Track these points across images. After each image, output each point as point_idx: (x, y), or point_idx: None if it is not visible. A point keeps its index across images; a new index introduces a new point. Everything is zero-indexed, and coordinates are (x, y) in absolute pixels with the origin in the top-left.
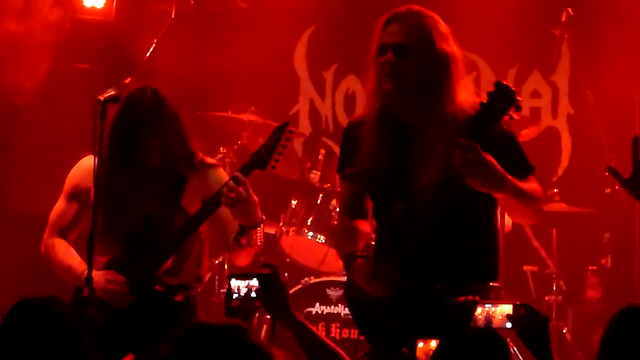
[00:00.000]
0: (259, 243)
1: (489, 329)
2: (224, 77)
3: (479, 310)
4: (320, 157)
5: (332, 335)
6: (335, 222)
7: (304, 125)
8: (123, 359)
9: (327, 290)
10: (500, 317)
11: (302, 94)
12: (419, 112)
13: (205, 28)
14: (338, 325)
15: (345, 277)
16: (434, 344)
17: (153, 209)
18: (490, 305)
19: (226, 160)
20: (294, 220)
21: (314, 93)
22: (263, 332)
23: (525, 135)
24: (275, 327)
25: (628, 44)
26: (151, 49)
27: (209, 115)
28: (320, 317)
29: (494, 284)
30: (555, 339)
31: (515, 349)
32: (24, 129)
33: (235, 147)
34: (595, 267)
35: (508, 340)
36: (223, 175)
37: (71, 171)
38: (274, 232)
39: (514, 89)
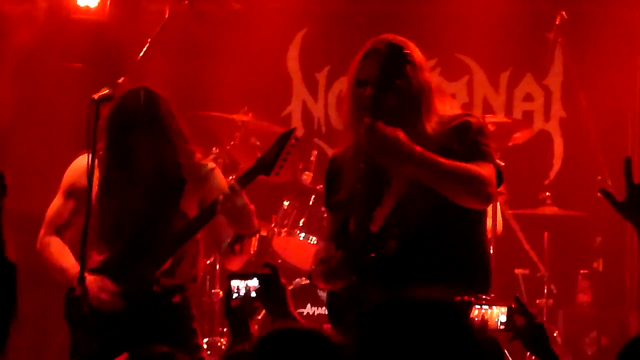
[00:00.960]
0: (252, 252)
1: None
2: (217, 78)
3: (474, 312)
4: (312, 158)
5: None
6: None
7: (297, 127)
8: (118, 357)
9: (318, 291)
10: (495, 319)
11: (295, 95)
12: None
13: (198, 28)
14: (329, 326)
15: None
16: None
17: (150, 210)
18: (486, 307)
19: (219, 160)
20: (286, 221)
21: (306, 94)
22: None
23: (518, 138)
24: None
25: (621, 48)
26: (144, 49)
27: (201, 115)
28: (311, 318)
29: (483, 296)
30: None
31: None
32: (18, 128)
33: (228, 147)
34: (586, 271)
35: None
36: (220, 177)
37: (68, 169)
38: (265, 233)
39: (401, 45)
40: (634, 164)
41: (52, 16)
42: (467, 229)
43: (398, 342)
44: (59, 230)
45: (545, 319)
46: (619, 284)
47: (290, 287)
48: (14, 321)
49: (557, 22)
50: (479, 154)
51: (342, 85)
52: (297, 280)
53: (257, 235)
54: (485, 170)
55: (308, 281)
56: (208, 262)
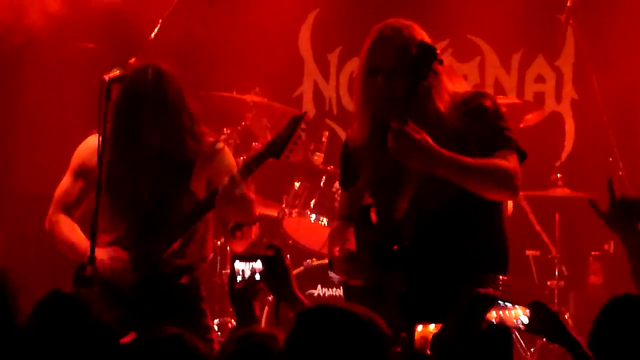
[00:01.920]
0: (252, 237)
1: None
2: (229, 58)
3: (493, 313)
4: (323, 139)
5: None
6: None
7: (308, 107)
8: (126, 336)
9: (329, 272)
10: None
11: (306, 76)
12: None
13: (210, 9)
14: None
15: None
16: (432, 327)
17: (159, 190)
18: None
19: (230, 141)
20: (297, 202)
21: (318, 75)
22: (264, 313)
23: (529, 120)
24: (279, 309)
25: (633, 30)
26: (156, 29)
27: (213, 95)
28: (322, 299)
29: (503, 277)
30: None
31: (517, 334)
32: (29, 108)
33: (239, 128)
34: (597, 253)
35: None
36: (229, 156)
37: (77, 149)
38: (276, 214)
39: (433, 45)
40: None
41: None
42: (489, 213)
43: None
44: (67, 209)
45: (556, 300)
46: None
47: (301, 268)
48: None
49: (568, 4)
50: (502, 142)
51: (353, 66)
52: (308, 261)
53: (257, 223)
54: (511, 162)
55: (319, 262)
56: (218, 242)
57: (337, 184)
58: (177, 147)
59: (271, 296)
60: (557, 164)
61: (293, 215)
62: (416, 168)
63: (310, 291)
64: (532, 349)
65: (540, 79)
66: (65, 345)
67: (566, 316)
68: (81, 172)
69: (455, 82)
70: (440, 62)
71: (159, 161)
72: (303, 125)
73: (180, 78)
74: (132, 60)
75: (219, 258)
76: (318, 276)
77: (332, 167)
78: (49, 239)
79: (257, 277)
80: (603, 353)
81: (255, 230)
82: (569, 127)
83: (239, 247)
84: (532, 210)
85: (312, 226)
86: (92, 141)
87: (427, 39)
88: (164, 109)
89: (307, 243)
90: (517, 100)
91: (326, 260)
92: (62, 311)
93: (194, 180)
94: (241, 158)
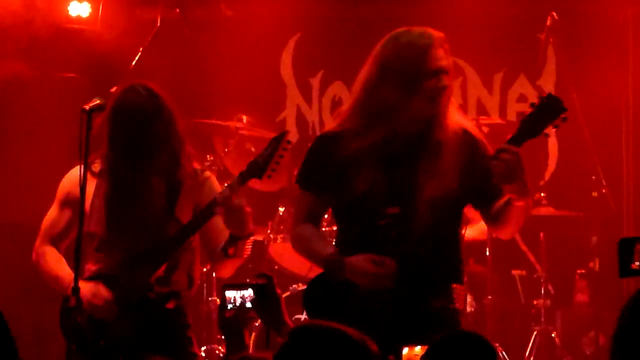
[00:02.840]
0: (245, 256)
1: (468, 334)
2: (211, 85)
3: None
4: None
5: None
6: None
7: (291, 132)
8: None
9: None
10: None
11: (289, 100)
12: (441, 131)
13: (191, 36)
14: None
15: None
16: (418, 349)
17: (145, 216)
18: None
19: (213, 168)
20: (282, 227)
21: (300, 100)
22: (252, 340)
23: None
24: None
25: (612, 47)
26: (137, 58)
27: (195, 122)
28: None
29: (460, 286)
30: (545, 343)
31: (503, 353)
32: (10, 137)
33: (222, 154)
34: (583, 271)
35: (496, 345)
36: (216, 184)
37: (63, 179)
38: (262, 239)
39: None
40: (629, 161)
41: (44, 26)
42: (459, 229)
43: None
44: (54, 240)
45: (543, 319)
46: (616, 283)
47: (287, 293)
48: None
49: (548, 23)
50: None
51: (336, 89)
52: (294, 286)
53: (252, 239)
54: None
55: (305, 287)
56: (205, 269)
57: None
58: (167, 173)
59: (259, 323)
60: (541, 183)
61: (278, 241)
62: (512, 192)
63: (297, 316)
64: None
65: (522, 98)
66: None
67: (553, 335)
68: (67, 203)
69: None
70: (565, 119)
71: (147, 187)
72: (284, 145)
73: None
74: (114, 89)
75: (205, 285)
76: (301, 300)
77: None
78: (36, 269)
79: (248, 305)
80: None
81: (248, 248)
82: (552, 146)
83: (228, 271)
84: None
85: None
86: (77, 172)
87: None
88: (162, 133)
89: (292, 268)
90: (499, 121)
91: None
92: None
93: (179, 207)
94: (225, 184)
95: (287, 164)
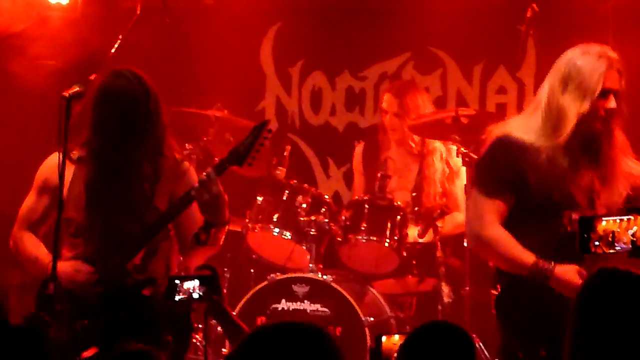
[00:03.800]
0: (218, 244)
1: (446, 324)
2: (190, 73)
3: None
4: (285, 153)
5: None
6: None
7: (271, 121)
8: (87, 351)
9: (293, 286)
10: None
11: (268, 90)
12: (610, 147)
13: (171, 24)
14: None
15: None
16: (397, 338)
17: (123, 204)
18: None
19: (192, 157)
20: (260, 216)
21: (280, 89)
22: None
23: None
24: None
25: (593, 40)
26: (116, 45)
27: (174, 111)
28: (286, 313)
29: None
30: None
31: (480, 344)
32: None
33: (201, 143)
34: None
35: (474, 336)
36: (194, 176)
37: (41, 166)
38: (239, 229)
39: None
40: None
41: (25, 13)
42: None
43: None
44: (32, 227)
45: None
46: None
47: (265, 283)
48: None
49: (528, 15)
50: None
51: (315, 79)
52: (272, 275)
53: (226, 229)
54: None
55: (283, 276)
56: (181, 258)
57: (300, 198)
58: (150, 163)
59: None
60: None
61: (256, 230)
62: None
63: (274, 305)
64: None
65: (502, 90)
66: None
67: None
68: (45, 189)
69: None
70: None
71: (127, 175)
72: (265, 133)
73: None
74: (93, 76)
75: (183, 274)
76: (282, 290)
77: (294, 181)
78: (14, 255)
79: (195, 295)
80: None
81: (221, 238)
82: None
83: (199, 259)
84: None
85: (275, 240)
86: (56, 158)
87: None
88: (146, 119)
89: (270, 257)
90: (479, 112)
91: (290, 275)
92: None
93: (157, 196)
94: (204, 174)
95: (266, 153)
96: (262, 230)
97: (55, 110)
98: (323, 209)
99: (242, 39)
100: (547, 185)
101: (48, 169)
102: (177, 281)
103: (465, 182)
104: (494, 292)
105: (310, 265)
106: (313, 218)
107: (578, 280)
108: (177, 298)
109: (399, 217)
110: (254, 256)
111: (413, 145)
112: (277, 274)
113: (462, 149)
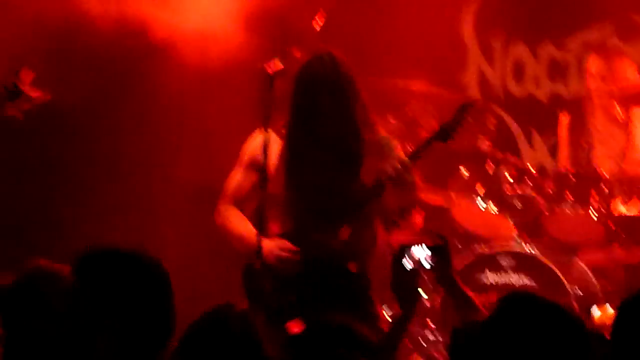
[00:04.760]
0: (414, 226)
1: None
2: (391, 44)
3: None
4: (490, 125)
5: None
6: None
7: (473, 93)
8: (290, 321)
9: (499, 259)
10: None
11: (471, 62)
12: None
13: None
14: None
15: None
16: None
17: (331, 180)
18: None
19: (396, 131)
20: (464, 189)
21: (482, 61)
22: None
23: None
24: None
25: None
26: (317, 16)
27: (376, 81)
28: (493, 287)
29: None
30: None
31: None
32: (189, 99)
33: (405, 117)
34: None
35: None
36: (400, 151)
37: (248, 142)
38: (443, 202)
39: None
40: None
41: None
42: None
43: None
44: (238, 202)
45: None
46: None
47: (471, 256)
48: None
49: None
50: None
51: (519, 51)
52: (478, 250)
53: (421, 213)
54: None
55: (488, 250)
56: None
57: (504, 170)
58: (352, 138)
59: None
60: None
61: (461, 203)
62: None
63: (480, 277)
64: None
65: None
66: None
67: None
68: (252, 165)
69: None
70: None
71: (333, 152)
72: (471, 114)
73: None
74: (293, 48)
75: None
76: (488, 263)
77: (498, 152)
78: (218, 231)
79: (426, 265)
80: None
81: (416, 220)
82: None
83: (403, 236)
84: None
85: (480, 213)
86: (261, 135)
87: None
88: (341, 100)
89: (476, 230)
90: None
91: (496, 249)
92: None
93: (364, 171)
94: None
95: (469, 124)
96: (467, 203)
97: (257, 83)
98: (528, 181)
99: (443, 10)
100: None
101: (255, 144)
102: (407, 249)
103: None
104: None
105: (516, 237)
106: (518, 191)
107: None
108: (407, 266)
109: (605, 187)
110: (460, 230)
111: (619, 113)
112: (482, 246)
113: None
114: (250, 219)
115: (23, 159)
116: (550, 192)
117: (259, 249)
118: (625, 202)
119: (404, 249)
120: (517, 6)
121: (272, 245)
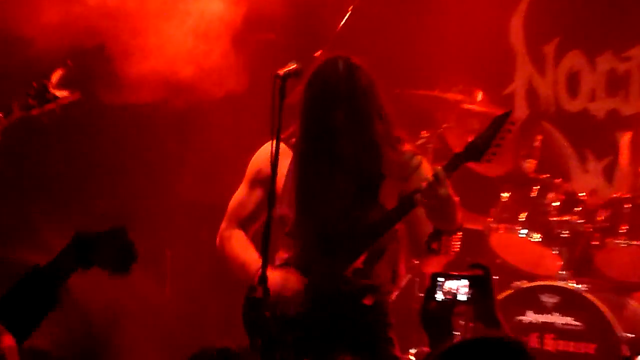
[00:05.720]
0: (452, 251)
1: None
2: (428, 51)
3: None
4: (536, 144)
5: (547, 347)
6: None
7: (520, 107)
8: None
9: (540, 296)
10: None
11: (519, 71)
12: None
13: None
14: (553, 336)
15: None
16: None
17: (345, 203)
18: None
19: (428, 146)
20: (505, 215)
21: (532, 70)
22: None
23: None
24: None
25: None
26: (345, 18)
27: (409, 93)
28: (533, 326)
29: None
30: None
31: None
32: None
33: (440, 130)
34: None
35: None
36: (426, 167)
37: (254, 156)
38: (482, 229)
39: None
40: None
41: None
42: None
43: None
44: (242, 223)
45: None
46: None
47: (510, 291)
48: None
49: None
50: None
51: (573, 59)
52: (517, 283)
53: (459, 235)
54: None
55: (530, 284)
56: (417, 262)
57: (551, 195)
58: (370, 159)
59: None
60: None
61: (500, 231)
62: None
63: (519, 317)
64: None
65: None
66: None
67: None
68: (258, 182)
69: None
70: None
71: (349, 173)
72: (508, 126)
73: (373, 74)
74: (318, 53)
75: (417, 280)
76: (528, 300)
77: (546, 175)
78: (220, 255)
79: (462, 297)
80: None
81: (456, 243)
82: None
83: (434, 266)
84: None
85: (522, 243)
86: (269, 148)
87: None
88: (357, 113)
89: (516, 262)
90: None
91: (538, 283)
92: None
93: (384, 193)
94: (432, 174)
95: (512, 145)
96: (507, 231)
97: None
98: (578, 208)
99: (489, 13)
100: None
101: (261, 159)
102: (440, 279)
103: None
104: None
105: (561, 272)
106: (566, 218)
107: None
108: (438, 298)
109: None
110: (497, 260)
111: None
112: (523, 281)
113: None
114: (255, 243)
115: (19, 170)
116: (603, 221)
117: (262, 280)
118: None
119: (436, 278)
120: (574, 9)
121: (277, 276)
